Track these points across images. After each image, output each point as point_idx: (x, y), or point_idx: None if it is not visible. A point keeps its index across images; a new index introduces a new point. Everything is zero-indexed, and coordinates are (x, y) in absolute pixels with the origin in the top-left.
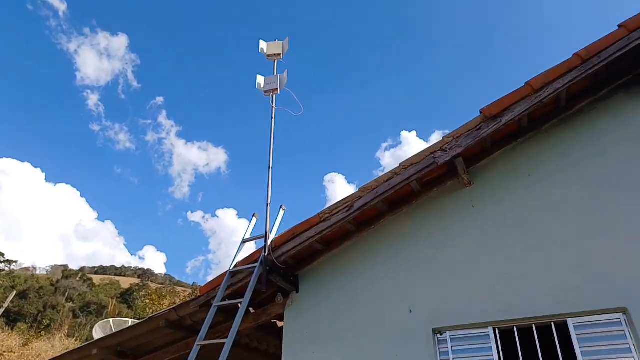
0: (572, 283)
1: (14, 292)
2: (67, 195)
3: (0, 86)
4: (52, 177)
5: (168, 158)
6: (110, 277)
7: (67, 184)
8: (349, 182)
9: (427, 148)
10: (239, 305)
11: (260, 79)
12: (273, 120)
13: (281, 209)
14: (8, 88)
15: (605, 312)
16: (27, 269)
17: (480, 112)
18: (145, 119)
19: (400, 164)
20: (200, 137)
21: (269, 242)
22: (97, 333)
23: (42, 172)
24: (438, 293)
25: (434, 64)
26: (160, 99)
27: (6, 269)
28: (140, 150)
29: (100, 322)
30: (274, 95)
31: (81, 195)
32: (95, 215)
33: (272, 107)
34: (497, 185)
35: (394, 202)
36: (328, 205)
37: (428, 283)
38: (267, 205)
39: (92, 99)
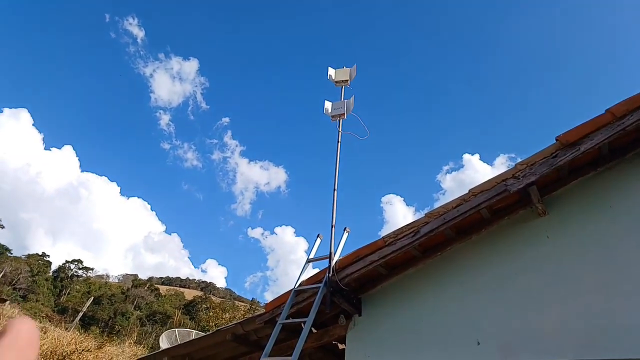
0: None
1: (91, 298)
2: (138, 209)
3: (83, 107)
4: (126, 191)
5: (232, 176)
6: (175, 288)
7: (139, 197)
8: (407, 205)
9: (499, 175)
10: (303, 324)
11: (327, 105)
12: (339, 144)
13: (345, 231)
14: (90, 108)
15: None
16: (101, 276)
17: (556, 140)
18: (211, 139)
19: (469, 191)
20: (263, 157)
21: (333, 263)
22: (164, 342)
23: (117, 186)
24: (509, 326)
25: (498, 87)
26: (226, 120)
27: (83, 275)
28: (206, 168)
29: (166, 331)
30: (341, 120)
31: (151, 209)
32: (164, 228)
33: (339, 131)
34: (575, 216)
35: (462, 229)
36: (385, 227)
37: (498, 315)
38: (332, 226)
39: (164, 119)
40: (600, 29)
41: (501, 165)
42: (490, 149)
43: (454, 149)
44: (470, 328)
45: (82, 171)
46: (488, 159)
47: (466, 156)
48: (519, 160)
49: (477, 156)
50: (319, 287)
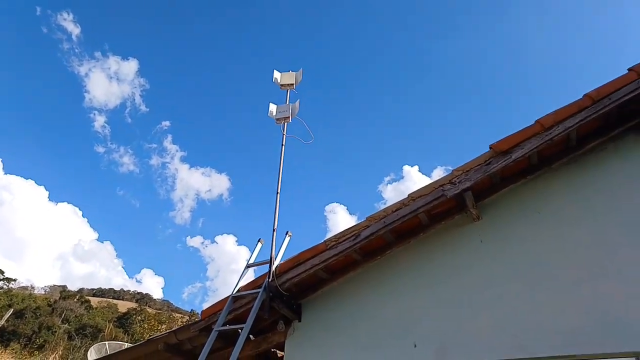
0: (582, 324)
1: (11, 311)
2: (68, 215)
3: (10, 104)
4: (55, 196)
5: (171, 182)
6: (108, 300)
7: (69, 203)
8: (350, 213)
9: (436, 180)
10: (240, 331)
11: (272, 107)
12: (283, 147)
13: (287, 235)
14: (17, 106)
15: (617, 355)
16: (25, 287)
17: (490, 147)
18: (150, 143)
19: (408, 195)
20: (204, 163)
21: (273, 267)
22: (92, 356)
23: (46, 190)
24: (444, 328)
25: (438, 101)
26: (166, 123)
27: (4, 287)
28: (144, 174)
29: (96, 344)
30: (285, 124)
31: (83, 216)
32: (96, 235)
33: (283, 134)
34: (506, 221)
35: (401, 233)
36: (329, 235)
37: (434, 317)
38: (274, 230)
39: (99, 121)
40: (528, 42)
41: (439, 177)
42: (428, 161)
43: (394, 161)
44: (407, 331)
45: (5, 173)
46: (426, 171)
47: (406, 167)
48: None
49: (416, 168)
50: (258, 292)
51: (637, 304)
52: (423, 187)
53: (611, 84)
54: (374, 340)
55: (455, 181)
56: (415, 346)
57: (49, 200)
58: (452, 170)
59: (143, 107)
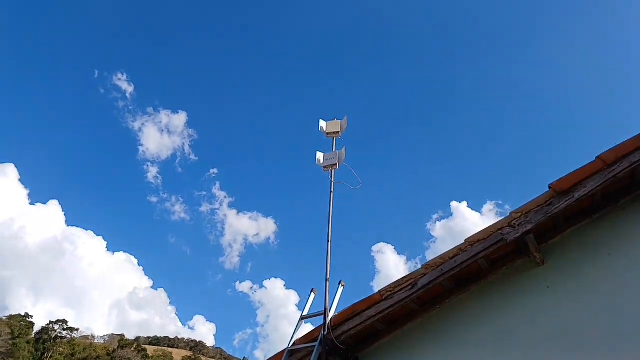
0: None
1: None
2: (124, 264)
3: (71, 162)
4: (112, 246)
5: (220, 228)
6: (163, 348)
7: (125, 252)
8: (398, 254)
9: (494, 224)
10: None
11: (319, 155)
12: (332, 194)
13: (340, 285)
14: (77, 163)
15: None
16: (86, 337)
17: (550, 187)
18: (200, 191)
19: (466, 240)
20: (252, 208)
21: (328, 319)
22: None
23: (104, 240)
24: None
25: (483, 135)
26: (214, 171)
27: (68, 336)
28: (194, 221)
29: None
30: (333, 171)
31: (138, 264)
32: (150, 283)
33: (331, 181)
34: (574, 264)
35: (460, 280)
36: (377, 276)
37: None
38: (326, 280)
39: (152, 172)
40: (579, 76)
41: (489, 212)
42: (477, 196)
43: (441, 198)
44: None
45: (67, 225)
46: (476, 206)
47: (454, 204)
48: (507, 206)
49: (464, 204)
50: (314, 346)
51: None
52: (480, 232)
53: None
54: None
55: (515, 224)
56: None
57: (107, 249)
58: (511, 213)
59: (192, 156)
